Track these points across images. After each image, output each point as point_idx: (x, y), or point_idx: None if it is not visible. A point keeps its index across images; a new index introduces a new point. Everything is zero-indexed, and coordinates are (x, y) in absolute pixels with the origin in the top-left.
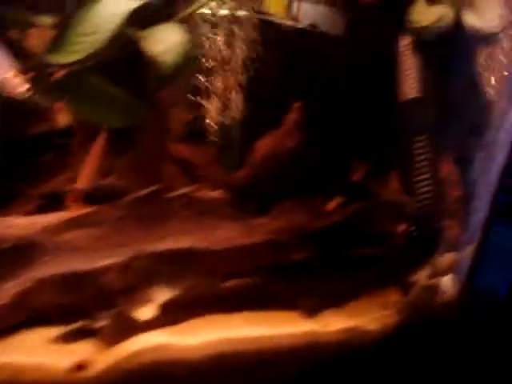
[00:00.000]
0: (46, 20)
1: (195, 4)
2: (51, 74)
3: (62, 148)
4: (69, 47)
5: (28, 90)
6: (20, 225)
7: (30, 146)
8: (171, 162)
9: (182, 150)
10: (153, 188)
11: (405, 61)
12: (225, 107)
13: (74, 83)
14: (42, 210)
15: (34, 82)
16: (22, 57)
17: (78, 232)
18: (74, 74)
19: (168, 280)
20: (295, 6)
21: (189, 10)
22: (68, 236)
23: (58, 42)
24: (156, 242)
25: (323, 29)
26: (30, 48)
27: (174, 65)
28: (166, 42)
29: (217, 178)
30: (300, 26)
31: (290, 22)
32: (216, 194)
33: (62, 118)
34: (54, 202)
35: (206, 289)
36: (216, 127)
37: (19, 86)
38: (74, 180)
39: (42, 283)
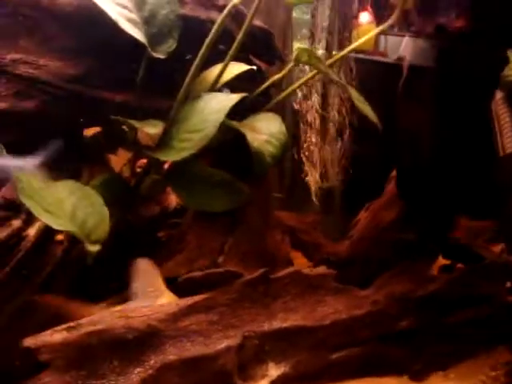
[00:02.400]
0: (150, 130)
1: (288, 89)
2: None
3: (173, 228)
4: (177, 144)
5: None
6: (140, 315)
7: (145, 228)
8: (277, 231)
9: (286, 217)
10: (262, 271)
11: (501, 114)
12: (326, 172)
13: (182, 174)
14: None
15: (147, 172)
16: (135, 149)
17: (195, 317)
18: (181, 166)
19: (279, 356)
20: (382, 40)
21: (282, 95)
22: (185, 322)
23: (166, 139)
24: (266, 321)
25: (415, 61)
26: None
27: (275, 154)
28: (267, 132)
29: (321, 245)
30: (389, 60)
31: (380, 58)
32: (320, 269)
33: (173, 198)
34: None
35: (316, 361)
36: (318, 194)
37: None
38: (187, 263)
39: (164, 369)
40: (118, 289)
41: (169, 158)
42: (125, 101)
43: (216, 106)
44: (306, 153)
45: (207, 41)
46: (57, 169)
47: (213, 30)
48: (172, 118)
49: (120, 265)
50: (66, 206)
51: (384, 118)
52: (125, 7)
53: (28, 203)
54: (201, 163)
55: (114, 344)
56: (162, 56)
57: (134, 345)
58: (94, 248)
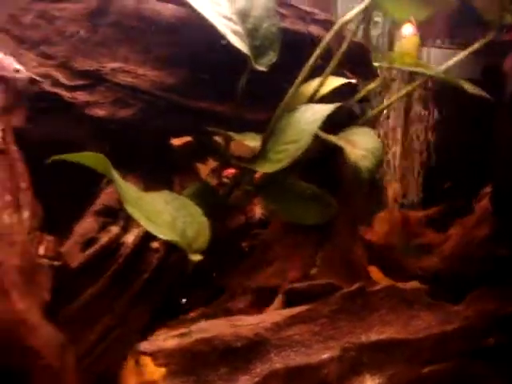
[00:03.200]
0: (251, 143)
1: (384, 103)
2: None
3: (255, 239)
4: (273, 156)
5: (19, 70)
6: (247, 324)
7: (230, 238)
8: (359, 245)
9: (370, 234)
10: (359, 284)
11: None
12: (405, 189)
13: (274, 186)
14: (255, 304)
15: (238, 182)
16: (227, 160)
17: (297, 328)
18: (274, 178)
19: (375, 368)
20: (425, 52)
21: (379, 108)
22: (289, 332)
23: (263, 151)
24: (363, 333)
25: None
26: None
27: (372, 169)
28: (363, 146)
29: (402, 261)
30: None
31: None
32: (414, 284)
33: (258, 209)
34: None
35: (409, 375)
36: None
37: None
38: (279, 275)
39: (270, 377)
40: (206, 299)
41: (264, 169)
42: (221, 111)
43: (311, 116)
44: (386, 168)
45: (314, 56)
46: (149, 178)
47: (320, 46)
48: (269, 131)
49: (207, 275)
50: (165, 216)
51: (473, 135)
52: (230, 19)
53: (131, 211)
54: (292, 176)
55: (223, 351)
56: (263, 68)
57: (241, 353)
58: (196, 257)
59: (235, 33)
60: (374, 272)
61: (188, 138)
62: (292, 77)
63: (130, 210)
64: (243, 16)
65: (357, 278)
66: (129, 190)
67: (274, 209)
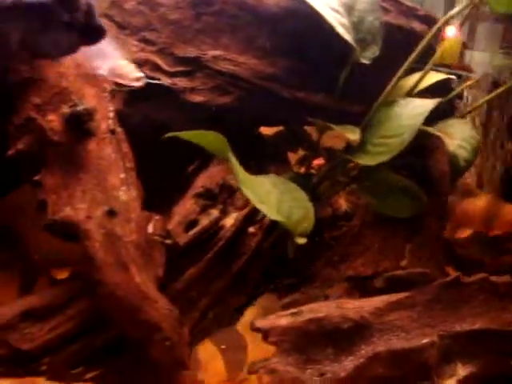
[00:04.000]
0: (351, 136)
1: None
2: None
3: (340, 230)
4: (373, 149)
5: (140, 78)
6: (353, 307)
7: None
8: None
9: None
10: (455, 275)
11: None
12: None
13: (369, 178)
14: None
15: (332, 174)
16: (317, 150)
17: (397, 314)
18: (369, 170)
19: (466, 357)
20: (467, 55)
21: (477, 104)
22: (390, 317)
23: (360, 143)
24: (456, 323)
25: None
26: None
27: (468, 158)
28: (459, 137)
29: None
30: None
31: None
32: (506, 278)
33: (343, 201)
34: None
35: (499, 366)
36: None
37: (132, 72)
38: (372, 264)
39: (374, 359)
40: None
41: (364, 161)
42: (318, 102)
43: (412, 111)
44: None
45: (416, 51)
46: (243, 165)
47: (423, 42)
48: (366, 123)
49: (296, 263)
50: (272, 198)
51: None
52: (337, 11)
53: (246, 192)
54: (386, 168)
55: (331, 332)
56: (366, 61)
57: (347, 334)
58: (302, 241)
59: (342, 25)
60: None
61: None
62: (388, 70)
63: (245, 190)
64: (349, 9)
65: (442, 271)
66: (243, 172)
67: (368, 200)
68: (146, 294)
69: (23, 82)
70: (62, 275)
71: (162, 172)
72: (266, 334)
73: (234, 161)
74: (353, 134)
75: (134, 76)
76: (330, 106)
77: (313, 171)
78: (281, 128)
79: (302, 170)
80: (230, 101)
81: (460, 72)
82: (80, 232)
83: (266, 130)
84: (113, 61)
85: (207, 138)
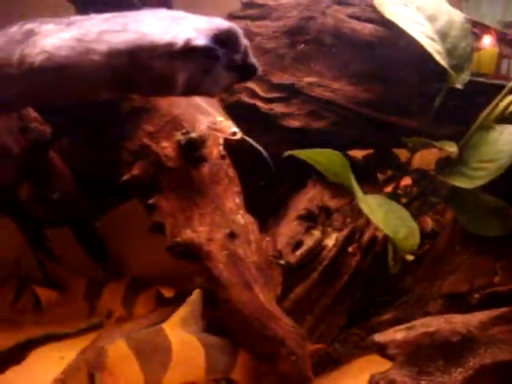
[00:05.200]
0: (450, 148)
1: None
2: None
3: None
4: (471, 172)
5: (236, 132)
6: (460, 321)
7: None
8: None
9: None
10: None
11: None
12: None
13: (461, 199)
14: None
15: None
16: (406, 171)
17: (499, 328)
18: (461, 191)
19: None
20: (505, 64)
21: None
22: (493, 331)
23: (455, 165)
24: None
25: None
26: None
27: None
28: None
29: None
30: None
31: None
32: None
33: (429, 220)
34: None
35: None
36: None
37: (229, 128)
38: (467, 282)
39: (481, 371)
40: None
41: (463, 184)
42: (411, 125)
43: (510, 137)
44: None
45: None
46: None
47: None
48: (461, 146)
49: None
50: (379, 215)
51: None
52: (432, 39)
53: (363, 207)
54: (479, 190)
55: (441, 345)
56: (459, 86)
57: (456, 347)
58: (410, 257)
59: (438, 52)
60: None
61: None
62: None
63: (363, 206)
64: (443, 36)
65: None
66: (360, 191)
67: (462, 220)
68: (270, 311)
69: (136, 111)
70: (169, 293)
71: (255, 194)
72: (383, 347)
73: (352, 179)
74: (451, 147)
75: (231, 131)
76: (421, 128)
77: (399, 191)
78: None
79: (388, 190)
80: (324, 125)
81: (497, 81)
82: (202, 253)
83: (353, 153)
84: (212, 117)
85: (326, 155)
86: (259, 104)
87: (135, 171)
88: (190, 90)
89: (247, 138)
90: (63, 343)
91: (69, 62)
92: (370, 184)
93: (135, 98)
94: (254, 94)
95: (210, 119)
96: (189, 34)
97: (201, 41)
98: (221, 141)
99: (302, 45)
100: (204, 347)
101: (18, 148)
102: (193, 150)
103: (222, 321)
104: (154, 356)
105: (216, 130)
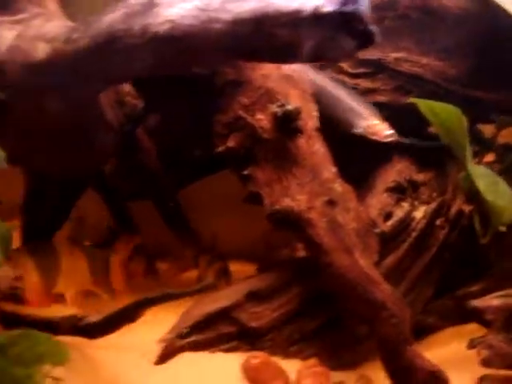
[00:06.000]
0: None
1: None
2: None
3: None
4: None
5: (392, 134)
6: None
7: None
8: None
9: None
10: None
11: None
12: None
13: None
14: None
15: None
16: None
17: None
18: None
19: None
20: None
21: None
22: None
23: None
24: None
25: None
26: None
27: None
28: None
29: None
30: None
31: None
32: None
33: None
34: None
35: None
36: None
37: (384, 130)
38: None
39: None
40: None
41: None
42: (499, 100)
43: None
44: None
45: None
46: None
47: None
48: None
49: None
50: (481, 184)
51: None
52: None
53: (476, 179)
54: None
55: None
56: None
57: None
58: (503, 228)
59: None
60: None
61: None
62: None
63: (470, 169)
64: None
65: None
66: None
67: None
68: (371, 276)
69: (229, 84)
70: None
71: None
72: (481, 312)
73: (466, 139)
74: None
75: (386, 134)
76: (509, 104)
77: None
78: None
79: None
80: None
81: None
82: (302, 221)
83: None
84: (368, 120)
85: (444, 110)
86: (345, 79)
87: (230, 143)
88: (315, 57)
89: (403, 140)
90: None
91: (193, 30)
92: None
93: (228, 71)
94: (340, 70)
95: (365, 122)
96: (316, 1)
97: (329, 8)
98: (315, 113)
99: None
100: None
101: (116, 121)
102: (289, 121)
103: (324, 286)
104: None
105: (371, 133)
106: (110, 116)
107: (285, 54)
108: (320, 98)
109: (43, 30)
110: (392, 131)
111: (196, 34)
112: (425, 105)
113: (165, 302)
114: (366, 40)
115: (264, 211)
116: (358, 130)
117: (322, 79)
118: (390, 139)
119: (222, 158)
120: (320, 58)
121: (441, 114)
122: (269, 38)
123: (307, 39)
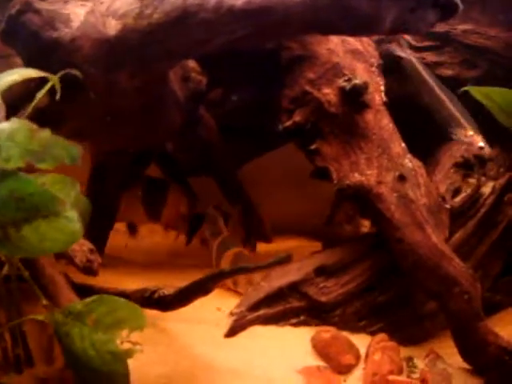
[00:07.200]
0: None
1: None
2: None
3: None
4: None
5: (484, 147)
6: None
7: None
8: None
9: None
10: None
11: None
12: None
13: None
14: None
15: None
16: None
17: None
18: None
19: None
20: None
21: None
22: None
23: None
24: None
25: None
26: None
27: None
28: None
29: None
30: None
31: None
32: None
33: None
34: None
35: None
36: None
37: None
38: None
39: None
40: None
41: None
42: None
43: None
44: None
45: None
46: None
47: None
48: None
49: None
50: None
51: None
52: None
53: None
54: None
55: None
56: None
57: None
58: None
59: None
60: None
61: None
62: None
63: None
64: None
65: None
66: None
67: None
68: (443, 251)
69: (295, 59)
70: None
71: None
72: None
73: None
74: None
75: (479, 145)
76: None
77: None
78: None
79: None
80: (477, 75)
81: None
82: (372, 196)
83: None
84: (465, 130)
85: (501, 96)
86: (411, 53)
87: (297, 118)
88: (397, 29)
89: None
90: None
91: (269, 4)
92: None
93: (294, 46)
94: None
95: (463, 132)
96: None
97: None
98: (382, 87)
99: None
100: None
101: (182, 96)
102: (356, 95)
103: (396, 260)
104: None
105: (466, 143)
106: (178, 90)
107: (365, 26)
108: (425, 96)
109: (114, 7)
110: (485, 144)
111: (273, 7)
112: (480, 92)
113: (239, 275)
114: (449, 10)
115: (331, 186)
116: (454, 138)
117: (434, 80)
118: (481, 152)
119: (287, 133)
120: (402, 30)
121: (498, 99)
122: (349, 10)
123: (388, 11)
